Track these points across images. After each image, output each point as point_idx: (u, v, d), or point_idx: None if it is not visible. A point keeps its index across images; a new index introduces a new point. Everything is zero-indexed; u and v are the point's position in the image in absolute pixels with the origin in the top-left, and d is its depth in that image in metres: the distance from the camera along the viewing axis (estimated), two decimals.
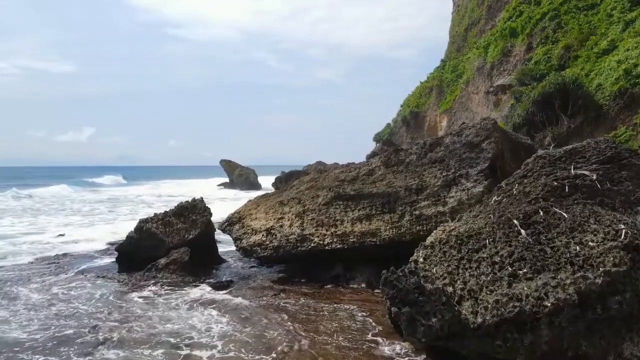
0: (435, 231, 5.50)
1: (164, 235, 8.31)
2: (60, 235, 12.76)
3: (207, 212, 8.56)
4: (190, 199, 8.86)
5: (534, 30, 23.21)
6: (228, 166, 36.71)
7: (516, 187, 4.90)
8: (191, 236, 8.29)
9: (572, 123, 15.58)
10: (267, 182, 50.13)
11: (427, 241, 4.91)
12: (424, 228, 7.03)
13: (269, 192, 9.59)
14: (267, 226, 8.51)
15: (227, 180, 38.83)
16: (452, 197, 6.84)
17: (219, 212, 17.14)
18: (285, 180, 18.69)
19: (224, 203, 22.24)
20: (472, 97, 32.30)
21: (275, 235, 8.27)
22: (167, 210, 8.67)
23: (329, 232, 7.66)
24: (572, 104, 15.55)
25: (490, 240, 4.37)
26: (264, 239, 8.42)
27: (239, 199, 27.63)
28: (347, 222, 7.61)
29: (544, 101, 16.06)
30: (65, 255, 9.95)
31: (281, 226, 8.31)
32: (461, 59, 39.86)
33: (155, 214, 8.69)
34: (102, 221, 16.89)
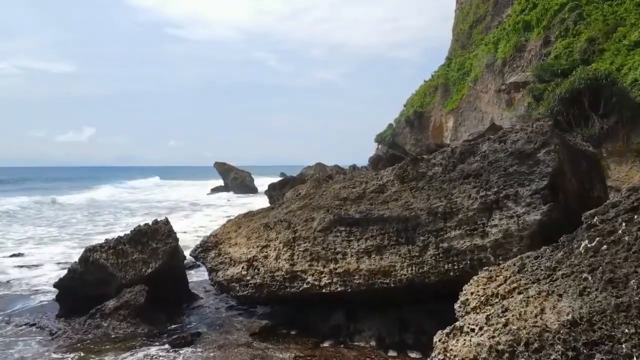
0: (471, 296, 3.70)
1: (115, 268, 6.47)
2: (16, 255, 10.92)
3: (171, 238, 6.70)
4: (157, 219, 7.00)
5: (551, 22, 21.34)
6: (223, 169, 34.84)
7: (625, 227, 3.07)
8: (150, 270, 6.44)
9: (604, 124, 13.72)
10: (265, 183, 48.28)
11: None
12: (455, 267, 5.19)
13: (252, 210, 7.74)
14: (249, 256, 6.68)
15: (222, 183, 36.97)
16: (495, 226, 4.99)
17: (201, 224, 15.54)
18: (279, 187, 16.90)
19: (211, 212, 20.38)
20: (480, 96, 30.44)
21: (258, 269, 6.43)
22: (122, 235, 6.82)
23: (326, 269, 5.81)
24: (605, 102, 13.69)
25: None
26: (244, 272, 6.59)
27: (233, 205, 25.80)
28: (351, 255, 5.76)
29: (572, 99, 14.21)
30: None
31: (265, 257, 6.47)
32: (468, 56, 37.99)
33: (106, 240, 6.83)
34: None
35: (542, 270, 3.48)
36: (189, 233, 14.58)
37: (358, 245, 5.79)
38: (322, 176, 11.72)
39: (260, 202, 21.32)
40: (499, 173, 5.17)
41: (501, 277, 3.97)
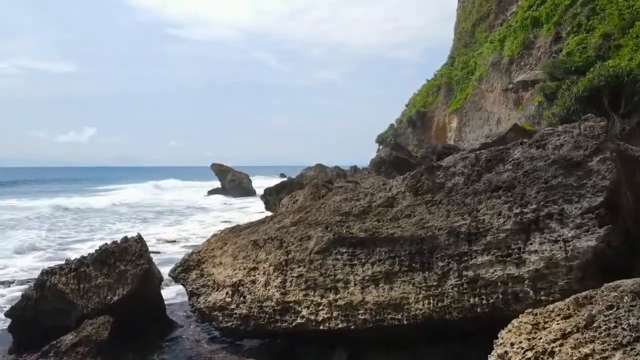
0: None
1: (76, 295, 5.48)
2: None
3: (143, 259, 5.70)
4: (125, 238, 5.99)
5: (562, 18, 20.36)
6: (220, 170, 33.80)
7: None
8: (117, 297, 5.46)
9: (626, 124, 12.75)
10: (264, 185, 47.13)
11: None
12: (484, 301, 4.22)
13: (240, 224, 6.77)
14: (234, 279, 5.71)
15: (220, 185, 35.94)
16: (535, 252, 4.00)
17: (193, 232, 14.62)
18: (276, 192, 15.90)
19: (204, 217, 19.27)
20: (486, 95, 29.46)
21: (244, 296, 5.45)
22: (85, 255, 5.83)
23: (324, 301, 4.83)
24: (626, 101, 12.72)
25: None
26: (228, 300, 5.62)
27: (229, 208, 24.81)
28: (354, 284, 4.78)
29: (590, 98, 13.23)
30: None
31: (253, 282, 5.49)
32: (472, 54, 37.03)
33: (66, 260, 5.85)
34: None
35: (625, 330, 2.49)
36: (178, 242, 13.58)
37: (363, 272, 4.81)
38: (321, 181, 10.74)
39: (257, 206, 20.36)
40: (538, 186, 4.18)
41: (555, 327, 3.01)
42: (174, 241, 13.65)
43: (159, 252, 12.03)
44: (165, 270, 6.82)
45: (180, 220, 18.53)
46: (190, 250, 6.72)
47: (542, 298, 3.95)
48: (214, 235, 6.93)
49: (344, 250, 5.03)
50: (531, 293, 3.99)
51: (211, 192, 34.09)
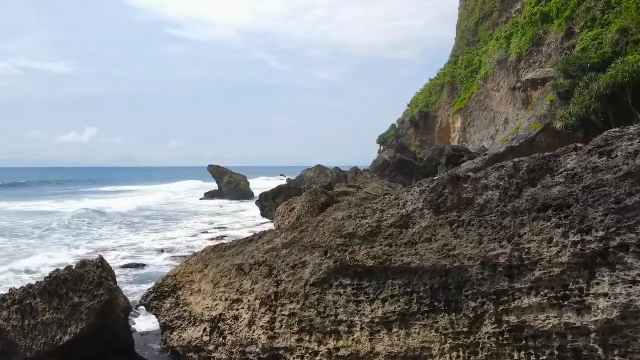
0: None
1: (18, 334, 4.48)
2: None
3: (103, 288, 4.68)
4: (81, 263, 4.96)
5: (575, 12, 19.34)
6: (217, 172, 32.67)
7: None
8: (68, 337, 4.45)
9: None
10: (263, 186, 45.96)
11: None
12: (533, 358, 3.21)
13: (225, 242, 5.78)
14: (214, 313, 4.71)
15: (217, 187, 34.83)
16: (605, 295, 3.01)
17: (179, 241, 13.54)
18: (272, 197, 14.86)
19: (194, 224, 18.04)
20: (491, 94, 28.43)
21: (225, 336, 4.45)
22: (33, 284, 4.81)
23: (323, 349, 3.83)
24: None
25: None
26: (206, 339, 4.62)
27: (224, 212, 23.76)
28: (361, 327, 3.78)
29: (612, 96, 12.23)
30: None
31: (236, 318, 4.49)
32: (476, 52, 36.00)
33: (11, 290, 4.83)
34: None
35: None
36: (167, 252, 12.54)
37: (372, 311, 3.80)
38: (320, 187, 9.75)
39: (254, 210, 19.31)
40: (606, 206, 3.17)
41: None
42: (162, 251, 12.61)
43: (144, 265, 11.04)
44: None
45: (169, 227, 17.39)
46: (162, 275, 5.71)
47: (616, 359, 2.96)
48: (195, 254, 5.93)
49: (348, 282, 4.02)
50: (600, 351, 2.99)
51: (208, 194, 32.99)
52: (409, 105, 44.45)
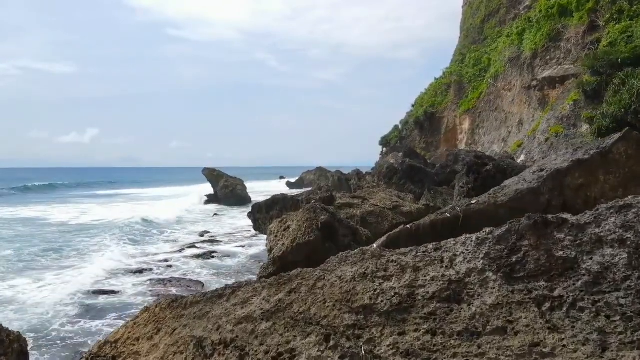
0: None
1: None
2: None
3: None
4: None
5: (598, 4, 17.74)
6: (212, 176, 30.97)
7: None
8: None
9: None
10: (263, 188, 44.20)
11: None
12: None
13: (187, 295, 4.14)
14: None
15: (213, 191, 33.16)
16: None
17: (162, 258, 11.94)
18: (266, 209, 13.28)
19: (181, 234, 16.31)
20: (502, 94, 26.81)
21: None
22: None
23: None
24: None
25: None
26: None
27: (216, 220, 22.12)
28: None
29: None
30: None
31: None
32: (484, 50, 34.39)
33: None
34: None
35: None
36: (143, 273, 10.92)
37: None
38: (320, 204, 8.19)
39: (247, 219, 17.66)
40: None
41: None
42: (140, 271, 11.00)
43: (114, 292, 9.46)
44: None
45: (153, 240, 15.74)
46: (100, 340, 4.14)
47: None
48: (146, 309, 4.33)
49: None
50: None
51: (209, 199, 31.21)
52: (412, 106, 42.80)
